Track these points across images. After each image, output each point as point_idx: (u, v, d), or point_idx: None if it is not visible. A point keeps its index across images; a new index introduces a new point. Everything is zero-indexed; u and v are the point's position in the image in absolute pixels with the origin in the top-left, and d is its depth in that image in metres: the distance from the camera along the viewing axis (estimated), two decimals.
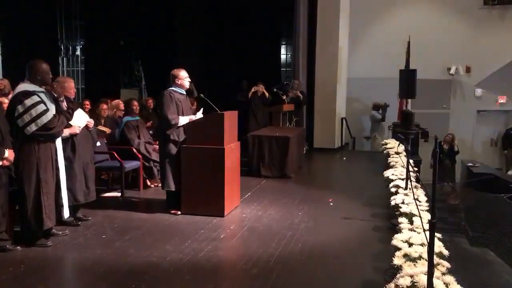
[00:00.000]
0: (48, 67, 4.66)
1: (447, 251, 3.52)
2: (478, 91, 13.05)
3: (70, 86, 5.21)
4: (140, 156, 6.95)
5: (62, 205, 4.88)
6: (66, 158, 4.98)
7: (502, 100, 13.07)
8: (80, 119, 5.30)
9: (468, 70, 12.90)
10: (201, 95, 6.44)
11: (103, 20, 13.46)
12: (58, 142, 4.80)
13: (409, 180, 5.36)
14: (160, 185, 7.10)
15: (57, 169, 4.76)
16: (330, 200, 6.61)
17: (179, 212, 5.69)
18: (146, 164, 7.10)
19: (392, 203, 5.01)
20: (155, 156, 7.04)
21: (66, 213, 4.96)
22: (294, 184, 7.75)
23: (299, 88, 11.14)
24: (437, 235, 3.91)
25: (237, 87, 11.70)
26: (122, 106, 7.79)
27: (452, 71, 12.85)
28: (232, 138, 5.89)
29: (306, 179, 8.48)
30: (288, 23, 12.53)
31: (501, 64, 12.56)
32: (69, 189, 5.01)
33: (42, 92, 4.60)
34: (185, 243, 4.69)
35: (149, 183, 7.22)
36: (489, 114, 13.25)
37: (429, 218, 2.76)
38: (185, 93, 5.95)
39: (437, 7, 12.86)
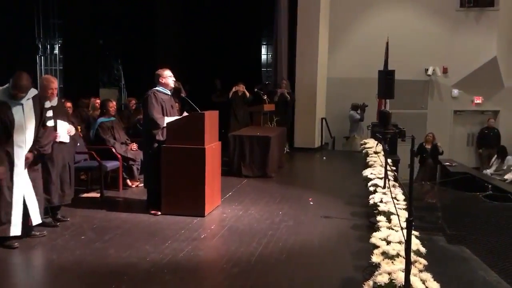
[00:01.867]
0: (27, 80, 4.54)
1: (424, 249, 3.59)
2: (455, 92, 13.31)
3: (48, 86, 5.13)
4: (119, 156, 6.89)
5: (8, 222, 4.46)
6: (43, 163, 4.91)
7: (478, 100, 13.36)
8: (64, 130, 5.19)
9: (445, 71, 13.14)
10: (182, 95, 6.43)
11: (82, 18, 13.28)
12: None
13: (387, 179, 5.44)
14: (140, 185, 7.11)
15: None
16: (310, 199, 6.66)
17: (159, 213, 5.66)
18: (126, 164, 7.05)
19: (371, 201, 5.08)
20: (132, 156, 7.01)
21: (13, 231, 4.53)
22: (274, 184, 7.78)
23: (287, 87, 11.19)
24: (415, 233, 3.98)
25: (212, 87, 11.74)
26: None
27: (429, 72, 13.07)
28: (212, 138, 5.88)
29: (287, 178, 8.52)
30: (268, 23, 12.56)
31: (477, 65, 12.83)
32: (44, 191, 4.93)
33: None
34: (165, 243, 4.67)
35: (129, 183, 7.17)
36: (466, 114, 13.51)
37: (407, 217, 2.81)
38: (169, 93, 5.92)
39: (415, 9, 13.05)
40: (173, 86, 5.93)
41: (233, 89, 10.94)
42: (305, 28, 11.55)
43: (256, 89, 10.87)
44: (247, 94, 10.90)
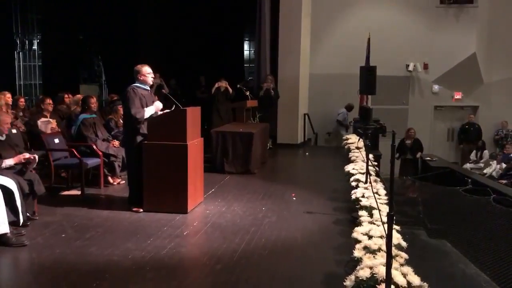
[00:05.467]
0: None
1: (405, 243, 3.63)
2: (435, 88, 13.47)
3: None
4: (100, 153, 6.81)
5: None
6: None
7: (458, 96, 13.55)
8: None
9: (425, 67, 13.29)
10: (163, 91, 6.38)
11: (61, 13, 13.07)
12: None
13: (368, 174, 5.49)
14: (122, 182, 7.05)
15: None
16: (293, 195, 6.68)
17: (141, 210, 5.61)
18: (107, 160, 6.97)
19: (353, 197, 5.12)
20: (113, 153, 6.94)
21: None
22: (257, 180, 7.78)
23: (272, 83, 11.19)
24: (396, 227, 4.03)
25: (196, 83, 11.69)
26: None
27: (410, 68, 13.20)
28: (195, 135, 5.85)
29: (270, 174, 8.53)
30: (251, 20, 12.55)
31: (457, 61, 13.00)
32: None
33: None
34: (147, 241, 4.64)
35: (111, 180, 7.09)
36: (446, 109, 13.70)
37: (388, 211, 2.83)
38: (148, 88, 5.87)
39: (396, 6, 13.15)
40: (151, 83, 5.89)
41: (216, 85, 10.91)
42: (287, 24, 11.56)
43: (238, 85, 10.85)
44: (230, 90, 10.88)
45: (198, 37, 12.91)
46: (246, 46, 14.10)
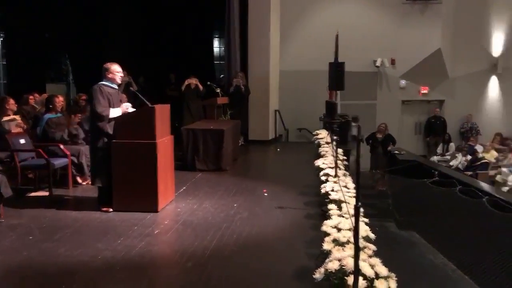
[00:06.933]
0: None
1: (373, 235, 3.69)
2: (402, 82, 13.73)
3: None
4: (68, 153, 6.69)
5: None
6: None
7: (424, 90, 13.85)
8: None
9: (393, 62, 13.52)
10: (131, 88, 6.30)
11: (26, 11, 12.71)
12: None
13: (337, 168, 5.56)
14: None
15: None
16: (264, 190, 6.72)
17: (111, 210, 5.54)
18: (75, 161, 6.85)
19: (322, 191, 5.18)
20: (81, 152, 6.83)
21: None
22: (229, 177, 7.79)
23: (242, 79, 11.19)
24: (365, 220, 4.10)
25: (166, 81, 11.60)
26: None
27: (378, 64, 13.41)
28: (164, 132, 5.81)
29: (242, 171, 8.55)
30: (220, 16, 12.51)
31: (423, 56, 13.28)
32: None
33: None
34: (117, 241, 4.59)
35: (80, 181, 6.98)
36: (413, 104, 13.98)
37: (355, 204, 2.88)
38: (116, 87, 5.79)
39: (364, 2, 13.34)
40: (120, 82, 5.81)
41: (186, 82, 10.85)
42: (256, 21, 11.59)
43: (208, 83, 10.82)
44: (200, 87, 10.83)
45: (167, 34, 12.78)
46: (216, 43, 14.05)
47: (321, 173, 5.91)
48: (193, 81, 10.82)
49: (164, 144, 5.73)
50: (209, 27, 13.69)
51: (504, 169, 10.18)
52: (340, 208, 4.36)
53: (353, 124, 12.98)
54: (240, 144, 10.25)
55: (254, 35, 11.63)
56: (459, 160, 11.53)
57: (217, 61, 13.95)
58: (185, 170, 7.93)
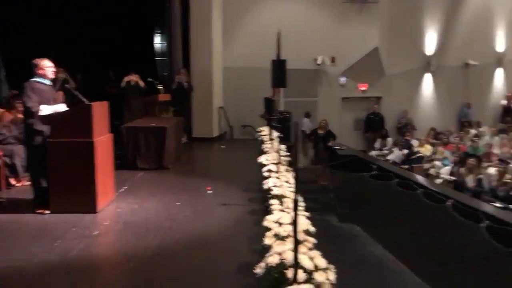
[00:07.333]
0: None
1: (314, 228, 3.77)
2: (342, 80, 14.10)
3: None
4: (1, 153, 6.35)
5: None
6: None
7: (363, 87, 14.29)
8: None
9: (333, 60, 13.83)
10: (67, 85, 6.07)
11: None
12: None
13: (280, 164, 5.63)
14: (26, 183, 6.61)
15: None
16: (208, 188, 6.68)
17: (47, 211, 5.31)
18: (8, 161, 6.52)
19: (265, 186, 5.23)
20: (14, 153, 6.51)
21: None
22: (172, 175, 7.69)
23: (185, 76, 11.04)
24: (306, 214, 4.19)
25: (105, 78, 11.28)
26: None
27: (318, 61, 13.67)
28: (103, 130, 5.64)
29: (185, 169, 8.45)
30: (161, 12, 12.29)
31: (361, 54, 13.71)
32: None
33: None
34: (54, 243, 4.41)
35: (13, 182, 6.64)
36: (352, 100, 14.39)
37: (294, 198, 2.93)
38: (48, 83, 5.54)
39: (305, 0, 13.56)
40: (52, 77, 5.57)
41: (126, 79, 10.58)
42: (198, 16, 11.50)
43: (149, 79, 10.61)
44: (141, 83, 10.60)
45: (106, 30, 12.38)
46: (158, 39, 13.77)
47: (264, 169, 5.96)
48: (134, 77, 10.57)
49: (103, 142, 5.56)
50: (150, 23, 13.40)
51: (437, 163, 10.71)
52: (282, 203, 4.42)
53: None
54: (183, 141, 10.14)
55: (196, 31, 11.53)
56: (396, 154, 11.99)
57: (159, 58, 13.68)
58: (126, 169, 7.73)
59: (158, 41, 13.70)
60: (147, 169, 7.89)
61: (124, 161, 7.91)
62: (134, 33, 12.51)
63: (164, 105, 10.43)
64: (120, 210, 5.59)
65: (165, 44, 13.13)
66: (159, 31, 13.69)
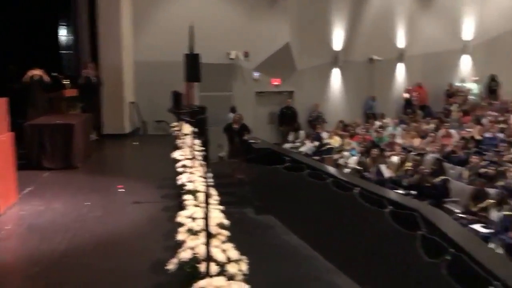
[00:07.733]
0: None
1: (228, 221, 3.80)
2: (256, 75, 14.28)
3: None
4: None
5: None
6: None
7: (276, 82, 14.60)
8: None
9: (246, 55, 13.95)
10: None
11: None
12: None
13: (194, 159, 5.60)
14: None
15: None
16: (119, 187, 6.48)
17: None
18: None
19: (179, 182, 5.18)
20: None
21: None
22: (81, 175, 7.39)
23: (93, 71, 10.54)
24: (220, 207, 4.20)
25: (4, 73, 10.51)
26: None
27: (232, 56, 13.74)
28: (1, 129, 5.26)
29: (95, 168, 8.13)
30: (66, 1, 11.64)
31: (273, 50, 13.97)
32: None
33: None
34: None
35: None
36: (266, 95, 14.66)
37: (211, 193, 2.94)
38: None
39: None
40: None
41: (28, 74, 9.91)
42: (105, 8, 11.07)
43: (54, 73, 10.03)
44: (46, 78, 9.98)
45: (5, 21, 11.49)
46: (62, 31, 13.01)
47: (178, 164, 5.90)
48: (37, 72, 9.92)
49: (2, 142, 5.19)
50: (53, 14, 12.63)
51: (345, 153, 11.26)
52: (196, 198, 4.40)
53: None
54: (92, 139, 9.73)
55: (104, 23, 11.08)
56: (308, 147, 12.42)
57: (65, 51, 12.95)
58: (30, 169, 7.26)
59: (63, 34, 12.96)
60: (54, 169, 7.49)
61: (28, 161, 7.43)
62: (36, 24, 11.74)
63: (71, 101, 9.93)
64: (23, 213, 5.26)
65: (71, 36, 12.47)
66: (64, 23, 12.96)
